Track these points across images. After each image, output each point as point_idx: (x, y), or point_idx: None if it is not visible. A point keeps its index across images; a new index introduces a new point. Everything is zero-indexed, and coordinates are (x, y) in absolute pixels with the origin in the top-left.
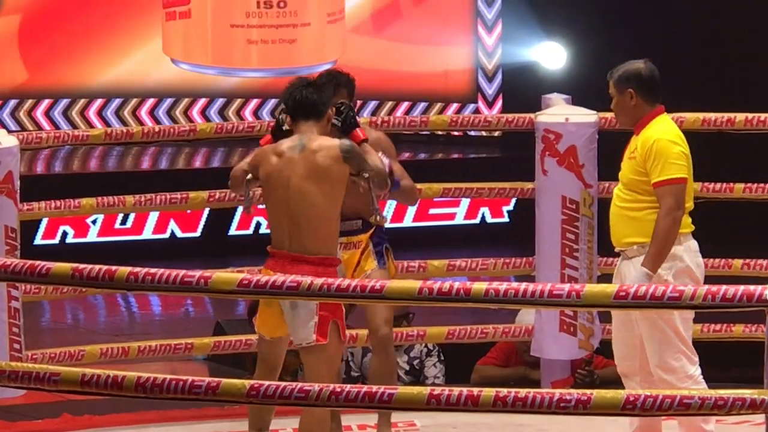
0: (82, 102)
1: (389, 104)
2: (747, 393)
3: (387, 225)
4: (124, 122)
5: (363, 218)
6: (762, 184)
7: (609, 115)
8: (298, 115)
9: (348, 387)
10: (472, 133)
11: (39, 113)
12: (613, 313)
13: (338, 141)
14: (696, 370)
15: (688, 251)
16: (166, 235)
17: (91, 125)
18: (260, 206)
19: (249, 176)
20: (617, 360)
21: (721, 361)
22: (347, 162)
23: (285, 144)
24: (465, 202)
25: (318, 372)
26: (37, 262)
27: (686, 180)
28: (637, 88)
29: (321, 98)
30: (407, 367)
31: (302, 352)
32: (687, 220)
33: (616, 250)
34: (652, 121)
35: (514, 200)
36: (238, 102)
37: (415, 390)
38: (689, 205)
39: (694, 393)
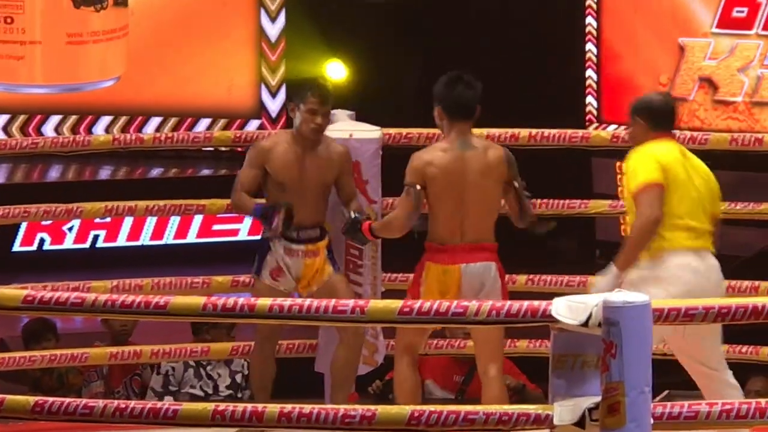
0: None
1: (173, 120)
2: (532, 408)
3: (169, 241)
4: None
5: (320, 226)
6: (545, 200)
7: (393, 131)
8: (458, 115)
9: (133, 403)
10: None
11: None
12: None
13: (501, 146)
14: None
15: (662, 269)
16: None
17: None
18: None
19: (419, 187)
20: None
21: None
22: (508, 165)
23: (444, 144)
24: (248, 218)
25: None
26: None
27: (656, 184)
28: (647, 117)
29: (477, 97)
30: (229, 381)
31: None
32: (680, 234)
33: None
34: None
35: None
36: (22, 118)
37: (200, 406)
38: (686, 221)
39: (479, 409)
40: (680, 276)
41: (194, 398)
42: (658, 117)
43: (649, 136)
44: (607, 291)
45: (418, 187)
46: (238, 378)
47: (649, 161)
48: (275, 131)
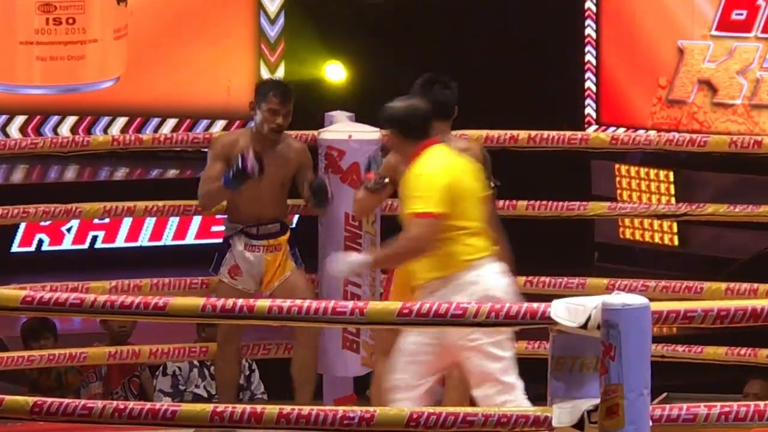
0: None
1: (172, 121)
2: (531, 410)
3: (168, 242)
4: None
5: (281, 221)
6: (544, 202)
7: None
8: (437, 116)
9: (131, 404)
10: None
11: None
12: None
13: (479, 145)
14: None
15: (482, 276)
16: None
17: None
18: None
19: (386, 180)
20: None
21: None
22: (484, 165)
23: None
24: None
25: None
26: None
27: (438, 215)
28: (398, 129)
29: (455, 97)
30: None
31: None
32: (478, 243)
33: (416, 286)
34: (417, 156)
35: (296, 216)
36: (21, 119)
37: (198, 407)
38: (474, 225)
39: (478, 410)
40: (498, 283)
41: (197, 398)
42: (411, 125)
43: (410, 145)
44: (345, 272)
45: (387, 180)
46: (240, 379)
47: (434, 187)
48: (236, 130)
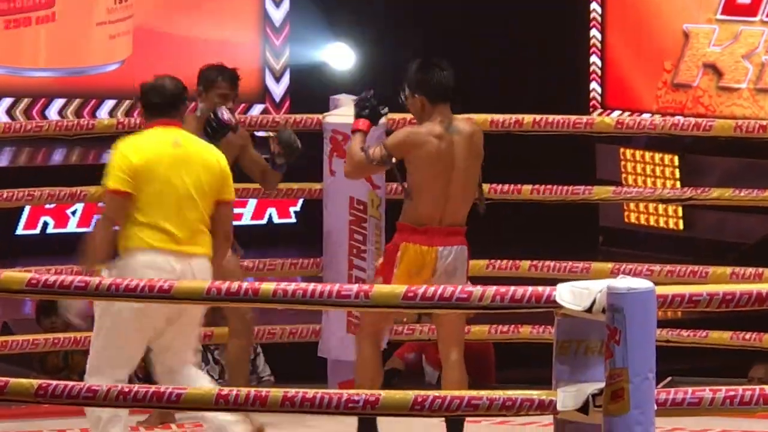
0: None
1: None
2: (535, 394)
3: None
4: None
5: None
6: (549, 186)
7: (397, 116)
8: (439, 98)
9: (136, 387)
10: (260, 133)
11: None
12: None
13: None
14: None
15: (128, 267)
16: None
17: None
18: None
19: (394, 160)
20: None
21: (511, 363)
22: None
23: (434, 127)
24: (252, 203)
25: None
26: None
27: (120, 192)
28: (142, 103)
29: (453, 77)
30: None
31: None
32: (149, 234)
33: None
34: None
35: (301, 201)
36: (26, 101)
37: (203, 390)
38: (159, 223)
39: (482, 394)
40: (143, 273)
41: None
42: (149, 102)
43: (147, 121)
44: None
45: (394, 160)
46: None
47: (121, 165)
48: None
